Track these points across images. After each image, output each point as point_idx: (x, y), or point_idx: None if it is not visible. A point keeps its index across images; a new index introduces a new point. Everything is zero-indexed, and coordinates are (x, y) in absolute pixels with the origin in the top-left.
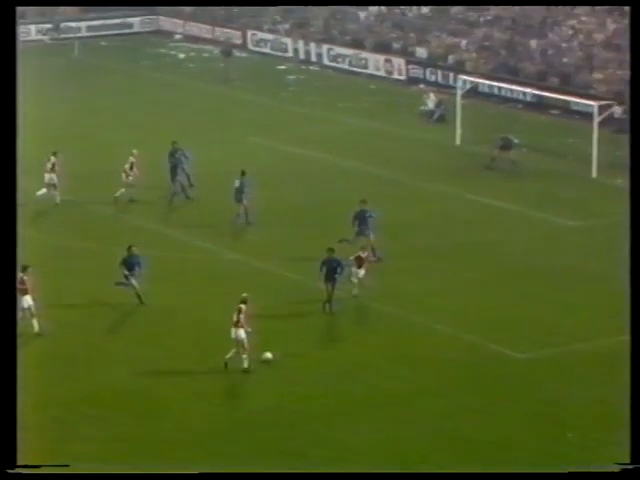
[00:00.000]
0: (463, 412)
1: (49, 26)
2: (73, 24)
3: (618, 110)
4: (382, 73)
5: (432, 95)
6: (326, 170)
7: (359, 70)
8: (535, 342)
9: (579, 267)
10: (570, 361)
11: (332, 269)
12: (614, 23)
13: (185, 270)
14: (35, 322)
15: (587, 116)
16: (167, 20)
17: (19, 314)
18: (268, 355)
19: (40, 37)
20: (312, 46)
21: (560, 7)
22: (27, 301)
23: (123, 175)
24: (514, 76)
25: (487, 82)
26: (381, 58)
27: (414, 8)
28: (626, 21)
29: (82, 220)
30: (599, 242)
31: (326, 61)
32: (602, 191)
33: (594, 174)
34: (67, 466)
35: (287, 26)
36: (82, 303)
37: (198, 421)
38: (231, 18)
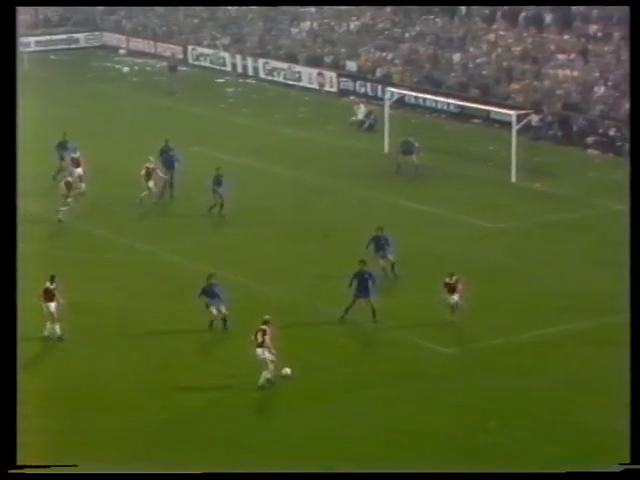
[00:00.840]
0: (391, 404)
1: None
2: (22, 39)
3: (535, 119)
4: (315, 86)
5: (362, 106)
6: (263, 177)
7: (293, 83)
8: (460, 337)
9: (500, 266)
10: (492, 354)
11: (364, 281)
12: (530, 37)
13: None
14: (57, 327)
15: (506, 125)
16: (111, 36)
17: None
18: (287, 371)
19: None
20: (249, 60)
21: (479, 23)
22: (51, 307)
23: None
24: (438, 88)
25: (413, 94)
26: (314, 71)
27: (344, 25)
28: (544, 34)
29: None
30: (518, 243)
31: (262, 74)
32: (521, 195)
33: (513, 179)
34: (67, 466)
35: (225, 41)
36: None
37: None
38: (172, 34)
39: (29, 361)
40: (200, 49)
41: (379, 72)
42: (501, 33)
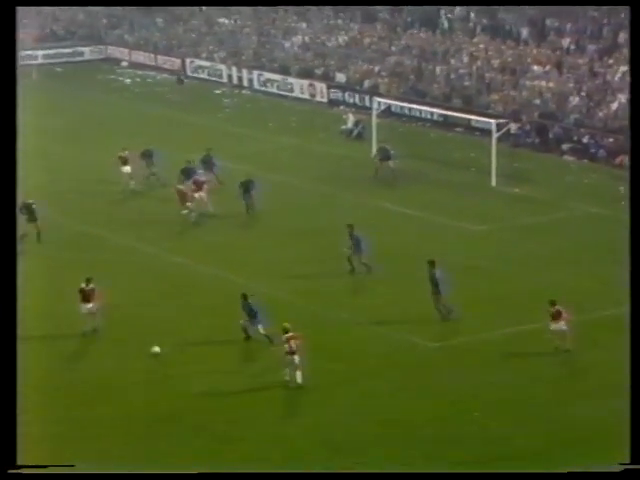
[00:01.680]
0: (377, 396)
1: None
2: (30, 52)
3: (513, 127)
4: (306, 96)
5: (350, 115)
6: (257, 182)
7: (286, 93)
8: (443, 333)
9: (481, 267)
10: (473, 350)
11: (436, 280)
12: (509, 49)
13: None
14: (91, 322)
15: (486, 132)
16: (115, 49)
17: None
18: (156, 349)
19: None
20: (244, 72)
21: (460, 36)
22: (86, 307)
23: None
24: (422, 98)
25: (399, 103)
26: (305, 83)
27: (333, 39)
28: (522, 48)
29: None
30: (499, 244)
31: (257, 86)
32: (501, 199)
33: (493, 183)
34: (67, 466)
35: (222, 54)
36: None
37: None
38: (172, 47)
39: (29, 361)
40: (198, 62)
41: (367, 83)
42: (481, 46)
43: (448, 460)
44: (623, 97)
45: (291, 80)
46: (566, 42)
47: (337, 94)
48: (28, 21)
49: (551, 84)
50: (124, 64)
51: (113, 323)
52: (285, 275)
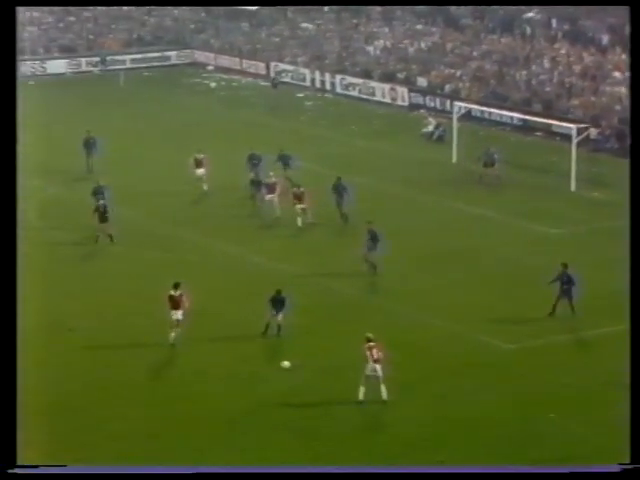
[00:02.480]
0: (456, 394)
1: (97, 59)
2: (118, 57)
3: (593, 132)
4: (387, 100)
5: (431, 119)
6: (352, 186)
7: (367, 97)
8: (520, 335)
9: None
10: (552, 352)
11: (566, 282)
12: (590, 56)
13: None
14: (173, 334)
15: (566, 137)
16: (200, 53)
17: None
18: (286, 364)
19: (90, 68)
20: (327, 76)
21: (543, 43)
22: (178, 314)
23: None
24: (503, 102)
25: (479, 107)
26: (387, 87)
27: (415, 44)
28: (602, 54)
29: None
30: (577, 247)
31: (339, 89)
32: (580, 203)
33: (573, 188)
34: (67, 466)
35: (305, 58)
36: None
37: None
38: (256, 51)
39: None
40: (282, 66)
41: (448, 88)
42: (562, 52)
43: (526, 459)
44: None
45: (373, 84)
46: None
47: (418, 98)
48: (115, 26)
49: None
50: (210, 68)
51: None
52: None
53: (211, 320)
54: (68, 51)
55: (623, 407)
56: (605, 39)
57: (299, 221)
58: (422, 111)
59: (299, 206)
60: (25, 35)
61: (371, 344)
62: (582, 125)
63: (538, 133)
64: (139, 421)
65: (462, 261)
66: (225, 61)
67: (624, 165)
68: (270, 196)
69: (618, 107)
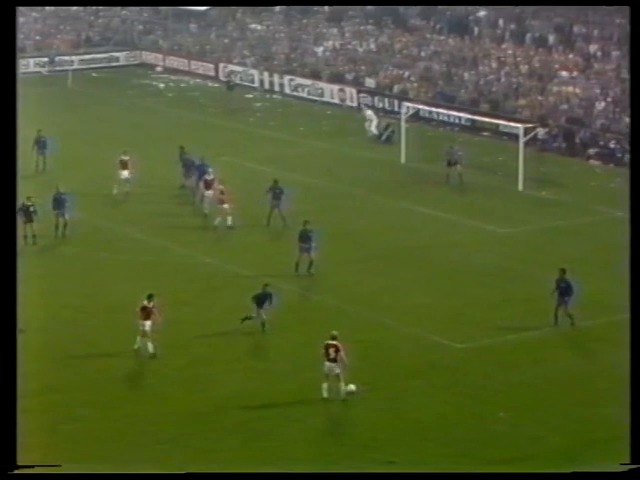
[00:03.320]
0: (408, 395)
1: (45, 59)
2: (67, 58)
3: (541, 132)
4: (336, 101)
5: (371, 112)
6: (288, 185)
7: (316, 98)
8: (471, 334)
9: (507, 268)
10: (502, 351)
11: (563, 289)
12: (537, 55)
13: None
14: (150, 345)
15: (514, 137)
16: (149, 54)
17: (139, 336)
18: (352, 387)
19: (38, 69)
20: (275, 77)
21: (489, 43)
22: (147, 325)
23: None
24: (450, 103)
25: (427, 108)
26: (335, 87)
27: (364, 44)
28: (549, 54)
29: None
30: (526, 247)
31: (288, 90)
32: (527, 202)
33: (521, 187)
34: (67, 466)
35: (254, 59)
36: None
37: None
38: (205, 52)
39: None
40: (231, 67)
41: (396, 88)
42: (509, 52)
43: (479, 460)
44: None
45: (322, 85)
46: (593, 48)
47: (367, 99)
48: (63, 27)
49: (578, 90)
50: (158, 69)
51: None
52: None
53: (165, 321)
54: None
55: (574, 405)
56: (551, 39)
57: (229, 220)
58: (369, 112)
59: (224, 206)
60: None
61: (330, 342)
62: (529, 125)
63: (486, 133)
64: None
65: (412, 261)
66: (174, 62)
67: (571, 164)
68: (208, 192)
69: (565, 106)
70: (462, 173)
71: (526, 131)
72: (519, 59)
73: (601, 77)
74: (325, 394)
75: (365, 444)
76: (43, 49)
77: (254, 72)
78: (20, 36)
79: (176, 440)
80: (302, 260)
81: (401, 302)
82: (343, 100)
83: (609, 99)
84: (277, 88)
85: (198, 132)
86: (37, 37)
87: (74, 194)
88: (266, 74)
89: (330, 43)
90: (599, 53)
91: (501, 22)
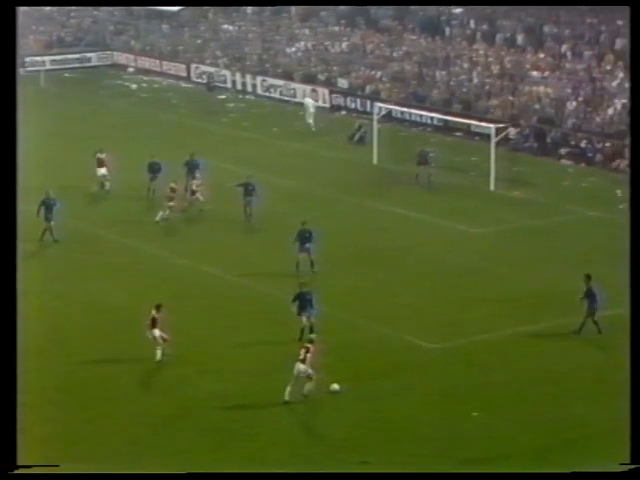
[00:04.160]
0: (381, 395)
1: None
2: (38, 58)
3: (512, 131)
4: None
5: (309, 99)
6: (261, 185)
7: (289, 99)
8: (444, 334)
9: (479, 268)
10: (475, 351)
11: (589, 297)
12: (508, 55)
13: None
14: (159, 352)
15: (486, 137)
16: (121, 55)
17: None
18: (335, 387)
19: None
20: (248, 78)
21: (460, 43)
22: (154, 333)
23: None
24: (423, 103)
25: (400, 108)
26: (308, 88)
27: (336, 45)
28: (520, 54)
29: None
30: (496, 246)
31: (260, 91)
32: (499, 202)
33: (492, 187)
34: (67, 466)
35: (226, 60)
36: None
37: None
38: (177, 53)
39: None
40: (203, 67)
41: (368, 89)
42: (481, 52)
43: (452, 459)
44: (619, 102)
45: (294, 85)
46: (564, 48)
47: (339, 99)
48: (36, 27)
49: (549, 89)
50: (130, 70)
51: (119, 322)
52: (283, 274)
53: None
54: None
55: (547, 404)
56: (522, 39)
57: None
58: (343, 112)
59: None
60: None
61: (306, 345)
62: (501, 125)
63: (458, 133)
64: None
65: (384, 261)
66: (146, 63)
67: (543, 164)
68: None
69: (537, 106)
70: (432, 174)
71: (498, 131)
72: (490, 59)
73: (572, 77)
74: (287, 397)
75: (338, 444)
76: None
77: (226, 73)
78: None
79: (148, 442)
80: (302, 260)
81: (373, 302)
82: (315, 101)
83: (580, 99)
84: (250, 89)
85: (171, 133)
86: None
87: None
88: (238, 75)
89: (302, 44)
90: (570, 53)
91: (472, 22)
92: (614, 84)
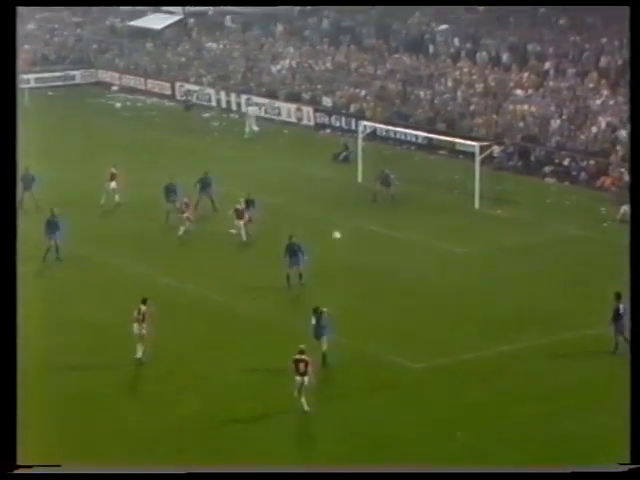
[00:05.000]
0: (366, 415)
1: None
2: (22, 76)
3: (496, 150)
4: (293, 120)
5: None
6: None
7: (273, 117)
8: (428, 354)
9: (464, 287)
10: (460, 370)
11: (621, 315)
12: (492, 74)
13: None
14: (140, 348)
15: (470, 155)
16: (105, 73)
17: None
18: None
19: None
20: (232, 96)
21: (445, 61)
22: (138, 329)
23: (179, 214)
24: (407, 122)
25: (384, 127)
26: (292, 107)
27: (320, 63)
28: (504, 72)
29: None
30: (482, 265)
31: (244, 109)
32: (484, 220)
33: (477, 206)
34: (67, 466)
35: (210, 78)
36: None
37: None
38: (161, 71)
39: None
40: (187, 85)
41: (353, 107)
42: (465, 71)
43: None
44: (604, 120)
45: (278, 104)
46: (547, 66)
47: (323, 118)
48: (20, 45)
49: (533, 108)
50: (114, 88)
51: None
52: (272, 287)
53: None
54: None
55: (531, 421)
56: (506, 57)
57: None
58: (328, 131)
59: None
60: None
61: (300, 357)
62: (485, 143)
63: (442, 151)
64: None
65: (369, 280)
66: (130, 81)
67: (527, 182)
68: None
69: (521, 124)
70: (395, 195)
71: (482, 149)
72: (474, 77)
73: (556, 95)
74: (306, 407)
75: (322, 461)
76: None
77: (211, 91)
78: None
79: (134, 460)
80: (292, 273)
81: (357, 321)
82: (300, 119)
83: (564, 117)
84: (234, 107)
85: (155, 151)
86: None
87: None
88: (223, 93)
89: (287, 62)
90: (553, 71)
91: (457, 40)
92: (598, 102)
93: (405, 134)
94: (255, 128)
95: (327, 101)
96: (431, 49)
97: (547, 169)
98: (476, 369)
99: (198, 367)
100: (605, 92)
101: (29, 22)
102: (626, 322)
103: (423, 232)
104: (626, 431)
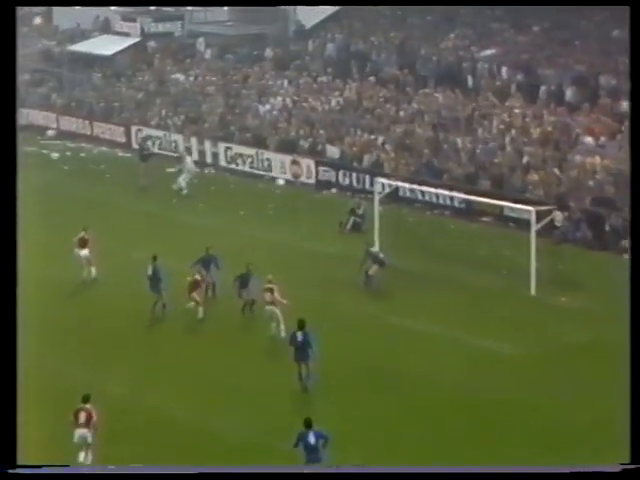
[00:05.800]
0: None
1: None
2: None
3: (559, 216)
4: (288, 176)
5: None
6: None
7: (262, 172)
8: None
9: (513, 400)
10: None
11: None
12: (551, 116)
13: None
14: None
15: (523, 224)
16: (38, 114)
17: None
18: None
19: None
20: (207, 145)
21: (489, 98)
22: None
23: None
24: (439, 179)
25: (409, 186)
26: (287, 158)
27: (323, 100)
28: (569, 113)
29: None
30: (538, 372)
31: (223, 162)
32: (542, 312)
33: (533, 291)
34: (67, 466)
35: (178, 121)
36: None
37: None
38: (112, 111)
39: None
40: (147, 131)
41: (367, 159)
42: (516, 111)
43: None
44: None
45: (268, 155)
46: (626, 106)
47: (328, 173)
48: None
49: (607, 160)
50: (50, 133)
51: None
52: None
53: None
54: None
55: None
56: (570, 93)
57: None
58: (333, 190)
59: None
60: None
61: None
62: (543, 207)
63: (486, 218)
64: None
65: (388, 387)
66: (71, 124)
67: (600, 260)
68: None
69: (591, 183)
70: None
71: (539, 215)
72: (528, 120)
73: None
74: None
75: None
76: None
77: (178, 138)
78: None
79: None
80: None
81: (372, 438)
82: (297, 175)
83: None
84: (209, 159)
85: (103, 217)
86: None
87: None
88: (194, 140)
89: (279, 99)
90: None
91: (504, 71)
92: None
93: (437, 195)
94: (182, 184)
95: (333, 151)
96: (470, 82)
97: (626, 242)
98: None
99: None
100: None
101: None
102: None
103: (460, 325)
104: (626, 431)
